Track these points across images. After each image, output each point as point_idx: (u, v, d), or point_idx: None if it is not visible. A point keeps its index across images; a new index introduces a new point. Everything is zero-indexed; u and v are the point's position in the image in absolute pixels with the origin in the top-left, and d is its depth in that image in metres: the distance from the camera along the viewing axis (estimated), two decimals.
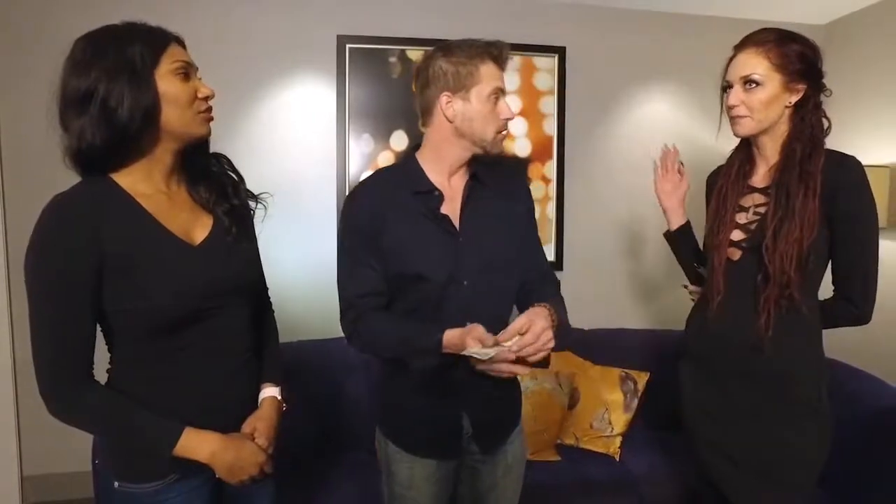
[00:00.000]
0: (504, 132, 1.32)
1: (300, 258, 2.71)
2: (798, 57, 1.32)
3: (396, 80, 2.72)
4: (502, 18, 2.83)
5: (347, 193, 1.45)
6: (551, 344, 1.17)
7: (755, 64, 1.33)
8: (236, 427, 1.18)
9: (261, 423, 1.19)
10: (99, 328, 1.08)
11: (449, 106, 1.28)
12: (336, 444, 2.32)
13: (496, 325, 1.22)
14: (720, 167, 1.56)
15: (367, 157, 2.73)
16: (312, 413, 2.30)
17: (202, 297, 1.10)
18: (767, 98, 1.33)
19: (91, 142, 1.01)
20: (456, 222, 1.32)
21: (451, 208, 1.32)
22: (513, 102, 2.82)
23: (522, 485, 1.54)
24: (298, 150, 2.71)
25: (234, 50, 2.60)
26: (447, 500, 1.46)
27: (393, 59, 2.72)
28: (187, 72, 1.08)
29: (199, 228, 1.15)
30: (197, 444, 1.08)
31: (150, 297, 1.04)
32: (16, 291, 2.41)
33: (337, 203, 2.72)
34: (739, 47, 1.38)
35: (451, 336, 1.19)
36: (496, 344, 1.14)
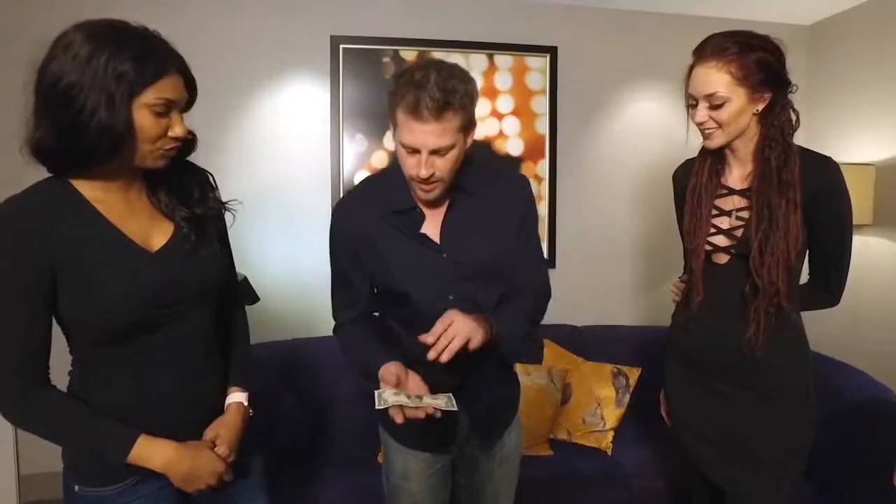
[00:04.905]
0: (420, 187, 1.23)
1: (294, 257, 2.73)
2: (759, 66, 1.28)
3: (390, 81, 2.73)
4: (494, 19, 2.86)
5: (336, 202, 1.41)
6: (456, 342, 1.15)
7: (717, 82, 1.29)
8: (198, 431, 1.15)
9: (224, 430, 1.16)
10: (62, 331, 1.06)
11: (392, 131, 1.25)
12: (329, 440, 2.35)
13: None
14: (686, 163, 1.56)
15: (360, 156, 2.75)
16: (306, 410, 2.33)
17: (157, 304, 1.07)
18: (735, 112, 1.31)
19: (50, 142, 0.97)
20: (437, 236, 1.30)
21: (434, 222, 1.31)
22: (505, 102, 2.87)
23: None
24: (292, 150, 2.73)
25: (228, 50, 2.62)
26: (446, 492, 1.48)
27: (386, 60, 2.74)
28: (167, 109, 1.02)
29: (158, 235, 1.11)
30: (151, 452, 1.06)
31: (103, 302, 1.01)
32: None
33: (331, 202, 2.74)
34: (699, 57, 1.33)
35: (381, 372, 1.22)
36: (400, 394, 1.18)
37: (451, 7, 2.83)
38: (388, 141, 2.76)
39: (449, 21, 2.82)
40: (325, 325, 2.65)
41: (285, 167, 2.71)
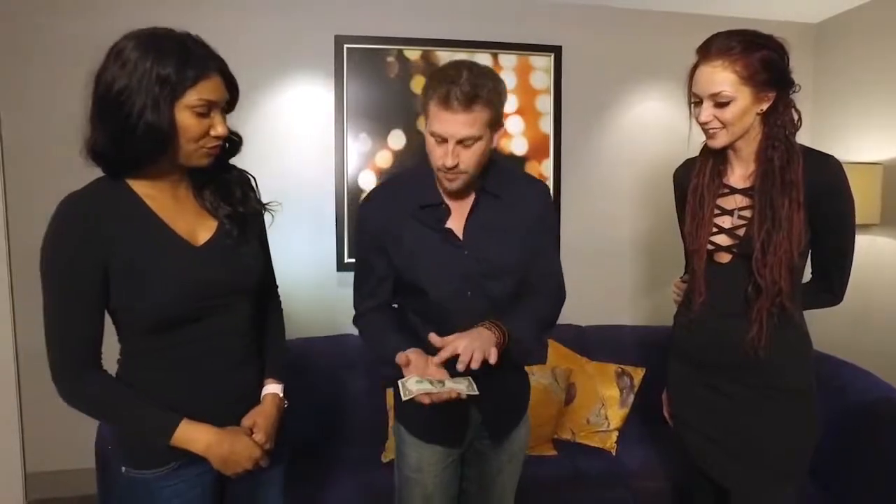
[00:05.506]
0: (445, 176, 1.29)
1: (299, 257, 2.73)
2: (764, 65, 1.28)
3: (394, 80, 2.74)
4: (499, 18, 2.85)
5: (366, 194, 1.46)
6: (474, 359, 1.17)
7: (722, 81, 1.28)
8: (236, 419, 1.22)
9: (260, 419, 1.23)
10: (110, 320, 1.13)
11: (422, 122, 1.31)
12: (338, 439, 2.36)
13: None
14: (686, 162, 1.55)
15: (364, 156, 2.75)
16: (316, 408, 2.34)
17: (200, 297, 1.14)
18: (739, 112, 1.30)
19: (104, 145, 1.05)
20: (461, 233, 1.35)
21: (458, 219, 1.36)
22: (509, 101, 2.85)
23: (519, 480, 1.59)
24: (297, 150, 2.73)
25: (232, 50, 2.57)
26: (455, 485, 1.52)
27: (391, 59, 2.74)
28: (208, 109, 1.09)
29: (203, 231, 1.18)
30: (193, 435, 1.13)
31: (150, 294, 1.08)
32: (19, 288, 2.43)
33: (335, 202, 2.74)
34: (703, 56, 1.32)
35: (399, 357, 1.24)
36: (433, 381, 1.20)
37: (456, 6, 2.83)
38: (392, 140, 2.76)
39: (453, 20, 2.81)
40: (330, 323, 2.67)
41: (289, 167, 2.72)
